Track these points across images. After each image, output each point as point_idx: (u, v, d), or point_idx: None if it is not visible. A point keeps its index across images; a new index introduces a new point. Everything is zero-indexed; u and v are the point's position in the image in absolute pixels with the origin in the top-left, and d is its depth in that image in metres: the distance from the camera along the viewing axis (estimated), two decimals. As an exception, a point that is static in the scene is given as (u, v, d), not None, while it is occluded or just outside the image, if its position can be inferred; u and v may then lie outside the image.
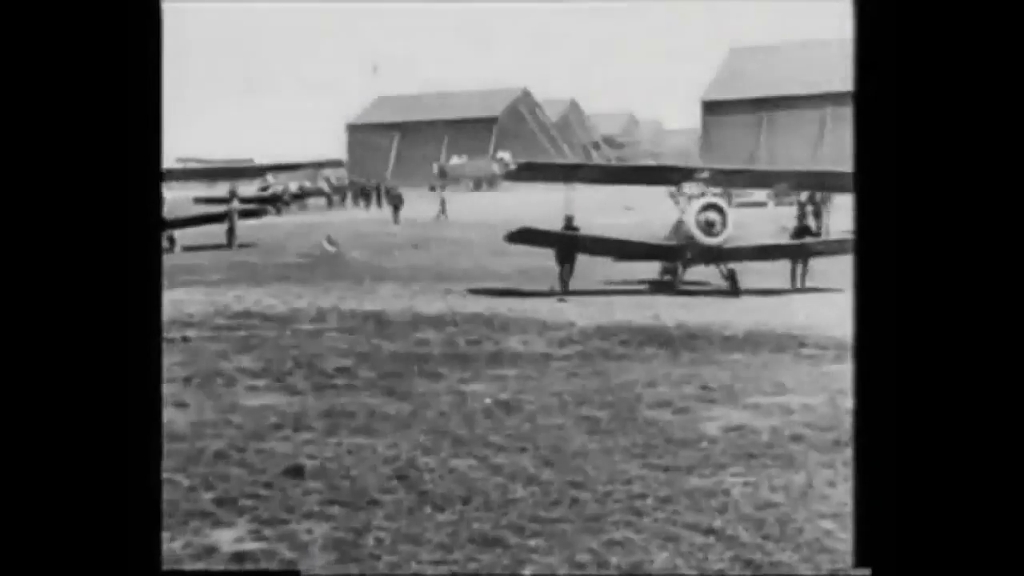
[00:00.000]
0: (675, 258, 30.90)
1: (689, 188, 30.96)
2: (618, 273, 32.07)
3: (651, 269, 31.99)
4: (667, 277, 31.36)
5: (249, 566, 8.98)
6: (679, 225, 30.90)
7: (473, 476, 11.28)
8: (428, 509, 10.20)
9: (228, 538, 9.52)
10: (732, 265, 30.19)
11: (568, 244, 30.61)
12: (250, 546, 9.34)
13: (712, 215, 30.21)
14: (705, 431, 13.11)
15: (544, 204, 39.78)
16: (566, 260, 30.23)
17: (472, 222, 52.80)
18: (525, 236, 31.13)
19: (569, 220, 31.05)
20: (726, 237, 30.25)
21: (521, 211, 46.20)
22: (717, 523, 9.78)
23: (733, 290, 29.56)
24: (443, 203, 59.66)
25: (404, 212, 57.36)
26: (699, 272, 31.02)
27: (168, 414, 13.75)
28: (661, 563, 8.95)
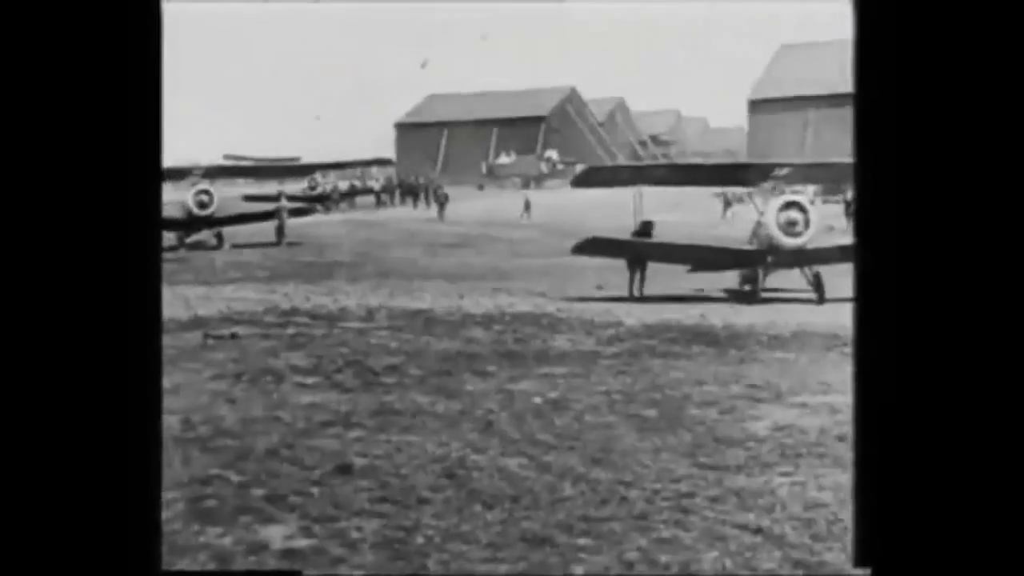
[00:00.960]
0: (756, 264, 28.01)
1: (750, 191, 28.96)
2: (692, 282, 29.80)
3: (725, 276, 29.62)
4: (747, 287, 28.38)
5: (298, 564, 9.05)
6: (758, 227, 28.36)
7: (522, 475, 11.31)
8: (477, 507, 10.24)
9: (278, 535, 9.58)
10: (817, 268, 27.15)
11: (641, 253, 28.43)
12: (300, 543, 9.41)
13: (794, 214, 27.31)
14: (752, 430, 13.09)
15: (594, 200, 39.58)
16: (637, 266, 28.24)
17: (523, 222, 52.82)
18: (594, 246, 28.57)
19: (646, 225, 29.16)
20: (809, 237, 27.43)
21: (573, 210, 46.08)
22: (765, 522, 9.78)
23: (819, 297, 26.75)
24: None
25: (455, 211, 57.37)
26: (775, 278, 28.12)
27: (218, 411, 13.89)
28: (710, 562, 8.96)
